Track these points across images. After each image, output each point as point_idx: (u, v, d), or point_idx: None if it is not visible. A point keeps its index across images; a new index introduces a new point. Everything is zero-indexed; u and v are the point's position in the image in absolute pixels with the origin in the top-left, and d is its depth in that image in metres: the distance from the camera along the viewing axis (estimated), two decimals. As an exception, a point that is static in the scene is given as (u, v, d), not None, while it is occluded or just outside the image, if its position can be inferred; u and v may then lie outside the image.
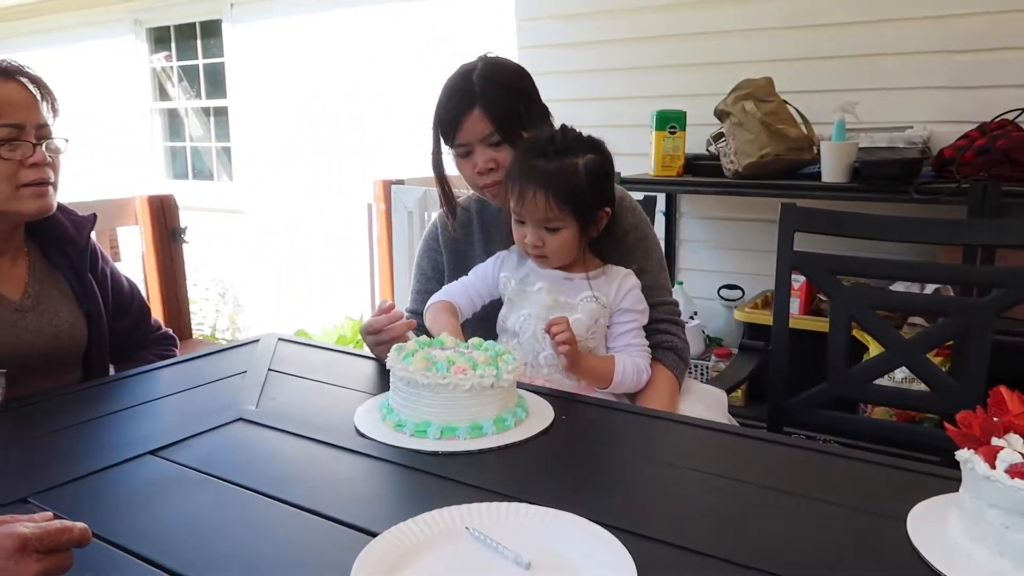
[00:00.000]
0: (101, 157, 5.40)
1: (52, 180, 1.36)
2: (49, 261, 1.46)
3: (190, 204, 4.08)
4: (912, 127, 2.55)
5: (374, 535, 0.79)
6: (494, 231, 1.53)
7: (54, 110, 1.39)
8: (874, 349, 2.27)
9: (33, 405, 1.25)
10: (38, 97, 1.35)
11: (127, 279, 1.62)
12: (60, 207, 1.44)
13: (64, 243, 1.46)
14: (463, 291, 1.45)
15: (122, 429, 1.17)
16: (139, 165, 5.27)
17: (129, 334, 1.59)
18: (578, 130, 1.38)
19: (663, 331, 1.45)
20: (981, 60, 2.53)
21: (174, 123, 5.30)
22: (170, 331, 1.69)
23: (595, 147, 1.36)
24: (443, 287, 1.50)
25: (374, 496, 0.97)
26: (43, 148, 1.33)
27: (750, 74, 2.61)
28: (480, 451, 1.04)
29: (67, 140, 1.39)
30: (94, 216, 1.53)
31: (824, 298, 2.54)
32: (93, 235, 1.52)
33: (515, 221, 1.37)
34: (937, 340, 1.65)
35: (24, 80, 1.34)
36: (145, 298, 1.70)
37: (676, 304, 1.51)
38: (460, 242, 1.57)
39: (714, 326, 3.05)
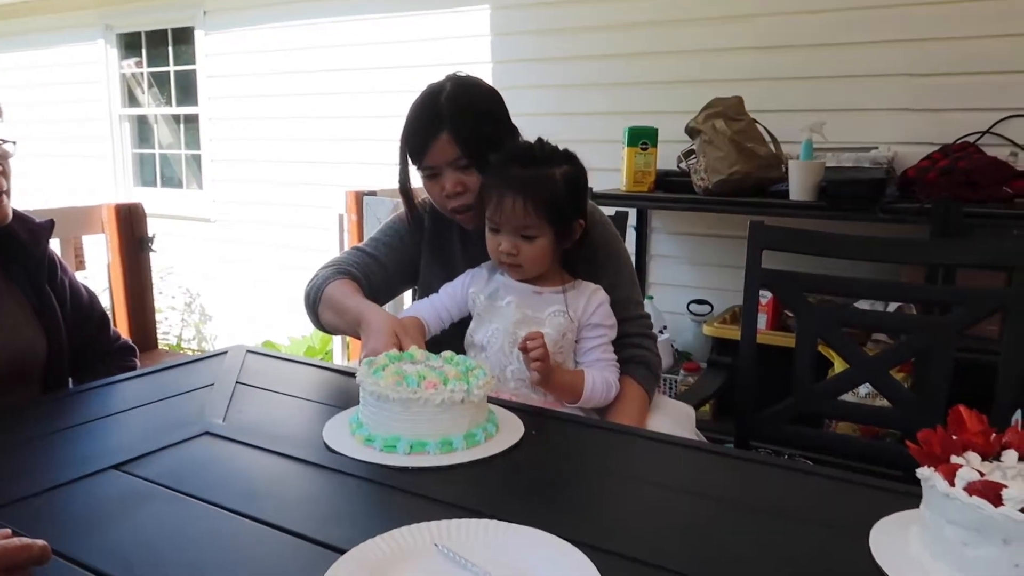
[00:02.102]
0: (68, 163, 5.32)
1: (4, 188, 1.31)
2: (4, 272, 1.40)
3: (158, 212, 4.04)
4: (877, 148, 2.61)
5: (342, 552, 0.78)
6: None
7: None
8: (839, 365, 2.31)
9: (-7, 417, 1.22)
10: None
11: (85, 288, 1.57)
12: (15, 214, 1.38)
13: (20, 254, 1.40)
14: (431, 308, 1.45)
15: (84, 443, 1.15)
16: (107, 172, 5.20)
17: (88, 346, 1.53)
18: (551, 143, 1.40)
19: (635, 344, 1.47)
20: (944, 84, 2.61)
21: (143, 130, 5.23)
22: (129, 341, 1.65)
23: (571, 159, 1.38)
24: (412, 304, 1.50)
25: (343, 512, 0.96)
26: None
27: (721, 93, 2.65)
28: (450, 466, 1.04)
29: (15, 143, 1.33)
30: (51, 223, 1.46)
31: (791, 314, 2.57)
32: (56, 245, 1.46)
33: (489, 230, 1.37)
34: (900, 357, 1.68)
35: None
36: (105, 308, 1.65)
37: (648, 318, 1.53)
38: (441, 236, 1.56)
39: (683, 340, 3.08)
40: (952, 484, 0.73)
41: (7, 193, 1.32)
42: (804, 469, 1.12)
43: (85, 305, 1.54)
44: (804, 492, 1.02)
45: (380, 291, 1.55)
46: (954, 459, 0.77)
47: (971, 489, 0.71)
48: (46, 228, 1.45)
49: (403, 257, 1.58)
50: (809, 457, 2.28)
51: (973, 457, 0.78)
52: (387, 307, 1.50)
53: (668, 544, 0.85)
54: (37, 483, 0.97)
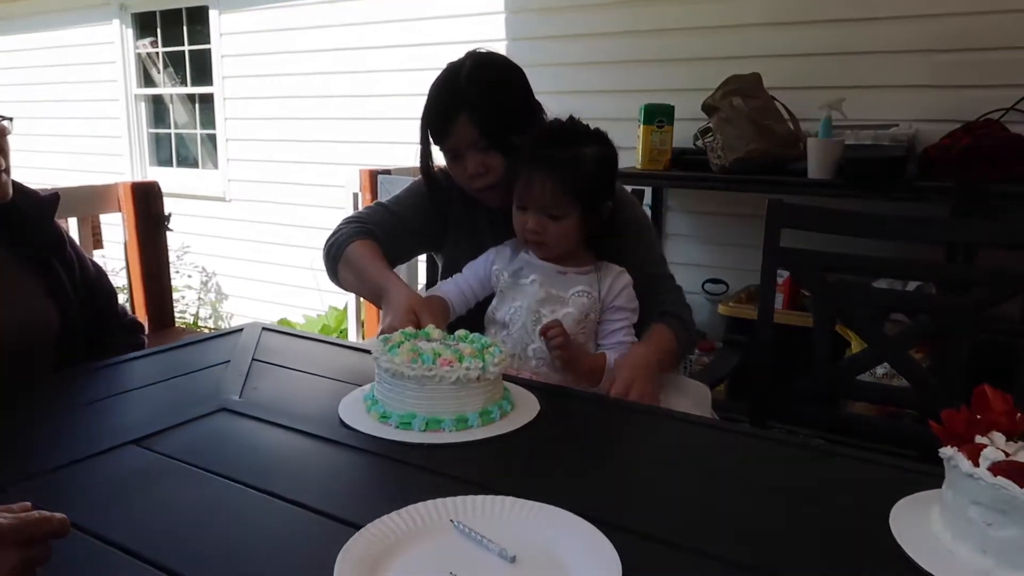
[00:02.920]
0: (84, 143, 5.34)
1: (3, 167, 1.29)
2: (9, 247, 1.38)
3: (174, 192, 4.05)
4: (897, 125, 2.56)
5: (358, 527, 0.79)
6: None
7: None
8: (855, 345, 2.29)
9: (11, 393, 1.23)
10: None
11: (93, 263, 1.56)
12: (19, 189, 1.37)
13: (26, 229, 1.39)
14: (456, 288, 1.44)
15: (103, 418, 1.16)
16: (123, 152, 5.21)
17: (97, 320, 1.51)
18: (584, 122, 1.38)
19: (669, 308, 1.46)
20: (967, 59, 2.55)
21: (159, 110, 5.24)
22: (136, 318, 1.64)
23: (602, 139, 1.36)
24: (438, 284, 1.49)
25: (358, 488, 0.96)
26: None
27: (739, 70, 2.61)
28: (465, 443, 1.04)
29: (11, 119, 1.31)
30: (56, 196, 1.45)
31: (807, 294, 2.55)
32: (74, 224, 1.45)
33: (516, 207, 1.36)
34: (920, 337, 1.67)
35: None
36: (119, 286, 1.63)
37: (681, 291, 1.53)
38: (469, 214, 1.55)
39: (698, 320, 3.02)
40: (976, 464, 0.72)
41: (7, 171, 1.30)
42: (823, 449, 1.11)
43: (93, 280, 1.53)
44: (823, 472, 1.01)
45: (401, 253, 1.55)
46: (978, 439, 0.76)
47: (996, 469, 0.70)
48: (51, 202, 1.44)
49: (427, 218, 1.55)
50: (823, 437, 2.26)
51: (998, 437, 0.77)
52: (403, 272, 1.49)
53: (685, 522, 0.85)
54: (57, 457, 0.98)
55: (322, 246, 1.52)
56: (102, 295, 1.55)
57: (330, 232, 1.52)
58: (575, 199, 1.31)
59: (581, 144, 1.33)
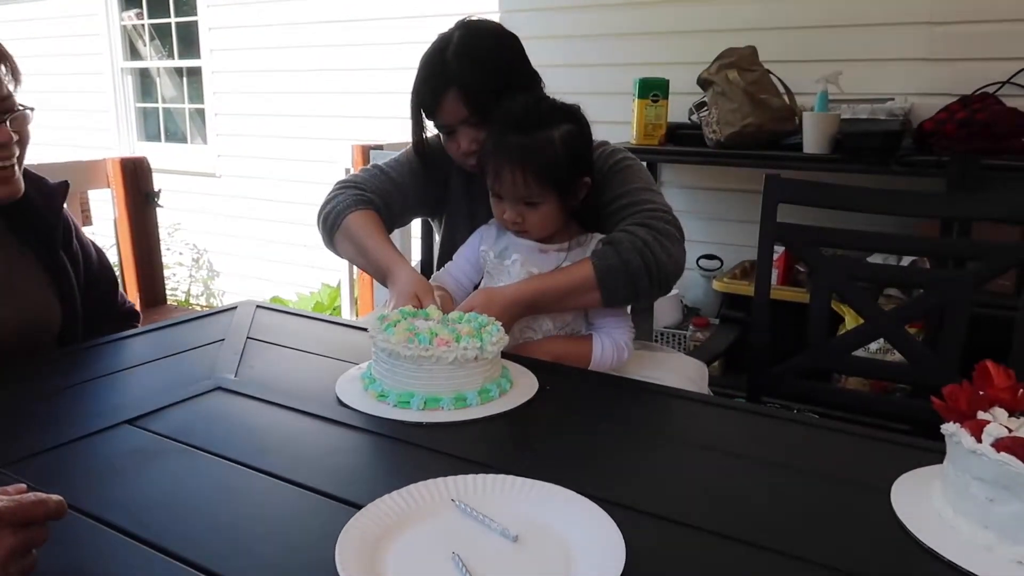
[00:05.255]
0: (70, 118, 5.26)
1: (17, 156, 1.25)
2: (17, 238, 1.35)
3: (163, 167, 3.99)
4: (893, 99, 2.55)
5: (359, 507, 0.78)
6: None
7: (15, 76, 1.25)
8: (850, 321, 2.29)
9: (5, 374, 1.22)
10: None
11: (96, 249, 1.53)
12: (29, 176, 1.33)
13: (35, 219, 1.35)
14: (451, 278, 1.43)
15: (97, 398, 1.14)
16: (110, 126, 5.14)
17: (96, 308, 1.48)
18: (553, 98, 1.34)
19: (622, 228, 1.31)
20: (963, 32, 2.53)
21: (146, 84, 5.16)
22: (135, 307, 1.62)
23: (571, 116, 1.31)
24: (434, 275, 1.48)
25: (357, 467, 0.96)
26: (7, 125, 1.21)
27: (734, 43, 2.59)
28: (465, 422, 1.03)
29: (32, 109, 1.27)
30: (66, 185, 1.41)
31: (802, 269, 2.55)
32: (68, 207, 1.42)
33: (493, 196, 1.33)
34: (917, 312, 1.67)
35: None
36: (112, 264, 1.61)
37: (661, 209, 1.36)
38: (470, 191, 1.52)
39: (692, 296, 3.06)
40: (979, 440, 0.72)
41: (20, 161, 1.27)
42: (822, 424, 1.11)
43: (95, 268, 1.50)
44: (823, 448, 1.01)
45: (397, 218, 1.52)
46: (981, 415, 0.76)
47: (999, 446, 0.70)
48: (60, 191, 1.40)
49: (426, 184, 1.53)
50: (817, 412, 2.28)
51: (1000, 413, 0.77)
52: (396, 239, 1.46)
53: (686, 499, 0.85)
54: (51, 438, 0.97)
55: (317, 212, 1.49)
56: (103, 283, 1.52)
57: (325, 197, 1.49)
58: (549, 185, 1.27)
59: (549, 126, 1.27)
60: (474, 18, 1.41)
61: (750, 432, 1.07)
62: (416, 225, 1.85)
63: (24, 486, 0.71)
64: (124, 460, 0.93)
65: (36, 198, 1.35)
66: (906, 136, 2.36)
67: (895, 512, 0.79)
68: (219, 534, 0.77)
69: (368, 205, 1.44)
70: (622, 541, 0.72)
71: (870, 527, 0.79)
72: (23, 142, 1.27)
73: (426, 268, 1.81)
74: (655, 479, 0.91)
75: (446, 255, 1.52)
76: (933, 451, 0.89)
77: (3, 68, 1.24)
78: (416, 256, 1.90)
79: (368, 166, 1.55)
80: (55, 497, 0.68)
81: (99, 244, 1.57)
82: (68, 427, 1.00)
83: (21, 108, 1.26)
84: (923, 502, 0.80)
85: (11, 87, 1.24)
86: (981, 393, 0.78)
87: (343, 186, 1.49)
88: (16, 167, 1.26)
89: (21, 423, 1.04)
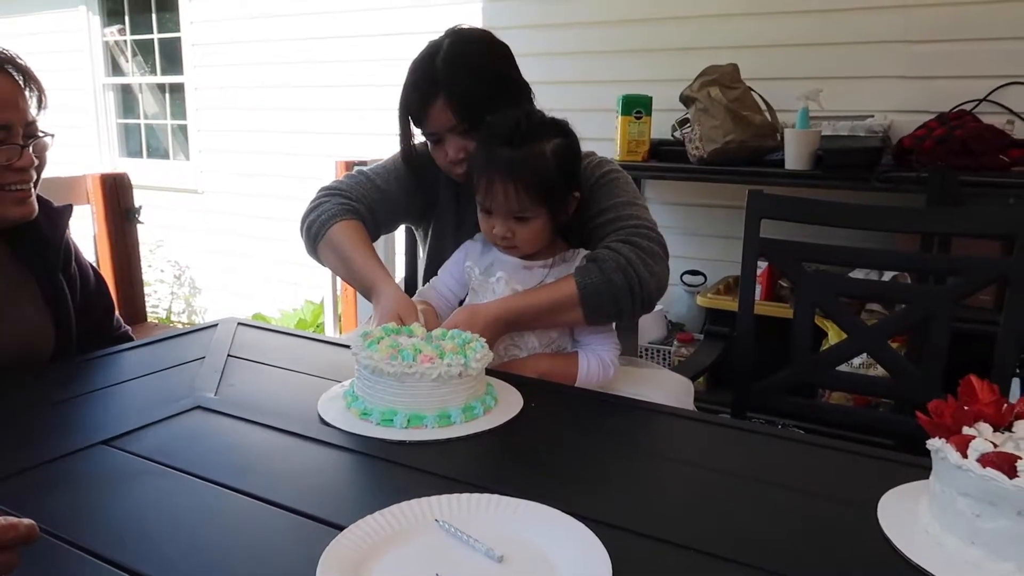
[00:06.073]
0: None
1: (34, 179, 1.26)
2: (18, 261, 1.34)
3: (145, 183, 3.96)
4: (873, 116, 2.58)
5: (340, 528, 0.77)
6: None
7: (41, 104, 1.26)
8: (833, 336, 2.30)
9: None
10: (26, 91, 1.22)
11: (94, 272, 1.51)
12: (36, 198, 1.33)
13: (38, 242, 1.34)
14: (436, 294, 1.42)
15: (73, 417, 1.12)
16: (91, 142, 5.11)
17: (91, 332, 1.46)
18: (542, 112, 1.34)
19: (606, 246, 1.30)
20: (939, 51, 2.57)
21: (128, 99, 5.13)
22: (129, 331, 1.59)
23: (561, 130, 1.30)
24: (419, 291, 1.46)
25: (340, 487, 0.94)
26: (29, 150, 1.22)
27: (716, 60, 2.61)
28: (449, 440, 1.02)
29: (53, 136, 1.28)
30: (70, 207, 1.41)
31: (785, 284, 2.56)
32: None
33: (481, 211, 1.32)
34: (899, 327, 1.67)
35: (11, 71, 1.21)
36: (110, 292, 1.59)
37: (646, 224, 1.35)
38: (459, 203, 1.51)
39: (676, 311, 3.06)
40: (965, 455, 0.72)
41: (36, 184, 1.27)
42: (808, 440, 1.11)
43: (93, 291, 1.48)
44: (809, 464, 1.01)
45: (382, 226, 1.51)
46: (966, 430, 0.76)
47: (985, 461, 0.70)
48: (65, 212, 1.39)
49: (413, 190, 1.51)
50: (802, 427, 2.28)
51: (985, 428, 0.77)
52: (379, 248, 1.45)
53: (673, 517, 0.84)
54: (25, 459, 0.94)
55: (301, 218, 1.47)
56: (100, 307, 1.50)
57: (309, 204, 1.47)
58: (540, 199, 1.26)
59: (540, 139, 1.26)
60: (465, 26, 1.41)
61: (735, 448, 1.07)
62: (400, 240, 1.84)
63: (-5, 510, 0.69)
64: (100, 482, 0.91)
65: (41, 219, 1.35)
66: (886, 152, 2.39)
67: (882, 528, 0.79)
68: (197, 557, 0.75)
69: (353, 215, 1.43)
70: (608, 559, 0.71)
71: (856, 543, 0.78)
72: (40, 167, 1.28)
73: (409, 285, 1.80)
74: (641, 496, 0.90)
75: (432, 265, 1.51)
76: (919, 467, 0.89)
77: (33, 96, 1.25)
78: (400, 272, 1.89)
79: (353, 171, 1.53)
80: (26, 521, 0.66)
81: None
82: (41, 448, 0.98)
83: (43, 134, 1.28)
84: (909, 518, 0.80)
85: (35, 114, 1.25)
86: (966, 408, 0.78)
87: (328, 193, 1.47)
88: (32, 190, 1.28)
89: (-6, 444, 1.01)
